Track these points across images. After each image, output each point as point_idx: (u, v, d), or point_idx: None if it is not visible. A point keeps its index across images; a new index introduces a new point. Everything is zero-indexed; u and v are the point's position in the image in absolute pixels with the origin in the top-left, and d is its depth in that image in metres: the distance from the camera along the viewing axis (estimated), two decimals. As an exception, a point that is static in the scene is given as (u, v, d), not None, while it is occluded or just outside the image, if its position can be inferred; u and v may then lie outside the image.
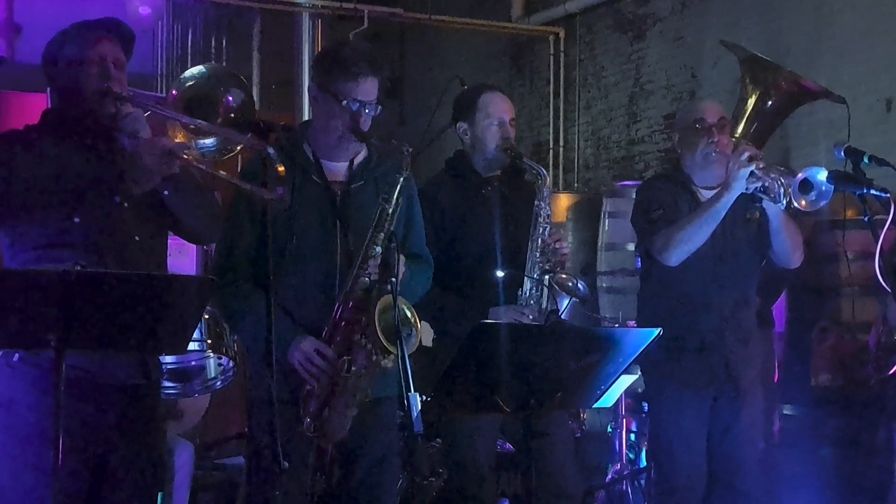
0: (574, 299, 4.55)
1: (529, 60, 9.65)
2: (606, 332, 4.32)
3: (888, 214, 3.57)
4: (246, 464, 3.96)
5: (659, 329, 3.25)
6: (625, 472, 5.58)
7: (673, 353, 4.10)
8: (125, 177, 3.13)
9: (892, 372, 4.60)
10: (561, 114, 9.19)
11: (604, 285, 6.84)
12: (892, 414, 4.84)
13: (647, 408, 5.07)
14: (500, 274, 4.01)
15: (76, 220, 3.11)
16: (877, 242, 3.57)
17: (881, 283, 3.61)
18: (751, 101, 5.62)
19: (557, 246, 4.07)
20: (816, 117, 6.51)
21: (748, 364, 4.22)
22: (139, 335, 2.88)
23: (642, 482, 5.43)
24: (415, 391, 3.06)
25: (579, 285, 4.45)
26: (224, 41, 9.39)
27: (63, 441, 2.76)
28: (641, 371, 4.51)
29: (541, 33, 9.37)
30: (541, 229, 4.06)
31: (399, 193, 3.43)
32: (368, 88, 3.47)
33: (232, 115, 4.19)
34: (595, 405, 3.54)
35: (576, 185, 8.94)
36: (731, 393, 4.15)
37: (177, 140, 3.51)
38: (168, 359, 4.46)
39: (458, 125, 4.20)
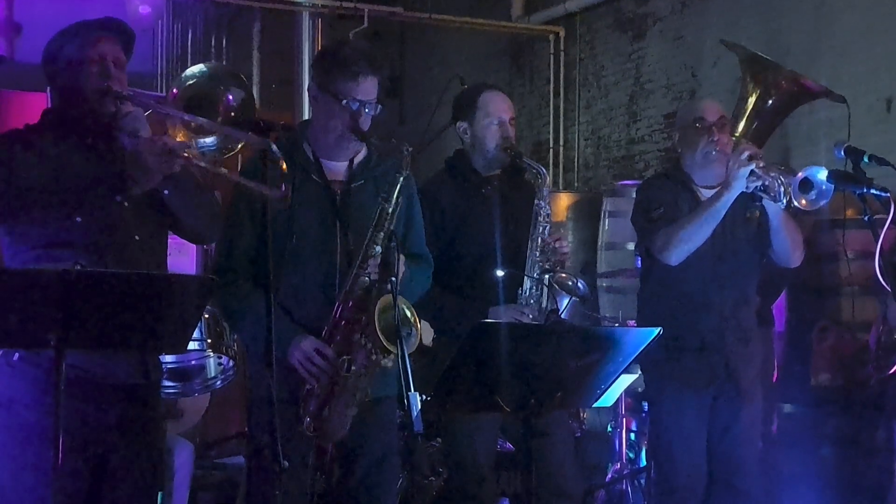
0: (574, 298, 4.55)
1: (529, 60, 9.65)
2: (606, 331, 4.31)
3: (888, 214, 3.57)
4: (246, 463, 3.96)
5: (659, 328, 3.25)
6: (625, 472, 5.58)
7: (673, 353, 4.10)
8: (126, 176, 3.13)
9: (892, 372, 4.60)
10: (561, 113, 9.19)
11: (604, 285, 6.84)
12: (892, 414, 4.83)
13: (646, 407, 5.07)
14: (499, 273, 4.01)
15: (77, 219, 3.11)
16: (877, 242, 3.57)
17: (881, 283, 3.61)
18: (751, 101, 5.62)
19: (557, 245, 4.07)
20: (816, 117, 6.51)
21: (748, 363, 4.22)
22: (139, 334, 2.89)
23: (642, 482, 5.42)
24: (415, 390, 3.06)
25: (579, 284, 4.45)
26: (224, 40, 9.38)
27: (63, 440, 2.75)
28: (641, 371, 4.51)
29: (541, 32, 9.36)
30: (541, 228, 4.06)
31: (399, 193, 3.43)
32: (368, 88, 3.46)
33: (232, 113, 4.19)
34: (595, 404, 3.53)
35: (576, 184, 8.94)
36: (731, 392, 4.15)
37: (177, 139, 3.51)
38: (168, 358, 4.46)
39: (457, 124, 4.20)
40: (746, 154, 3.95)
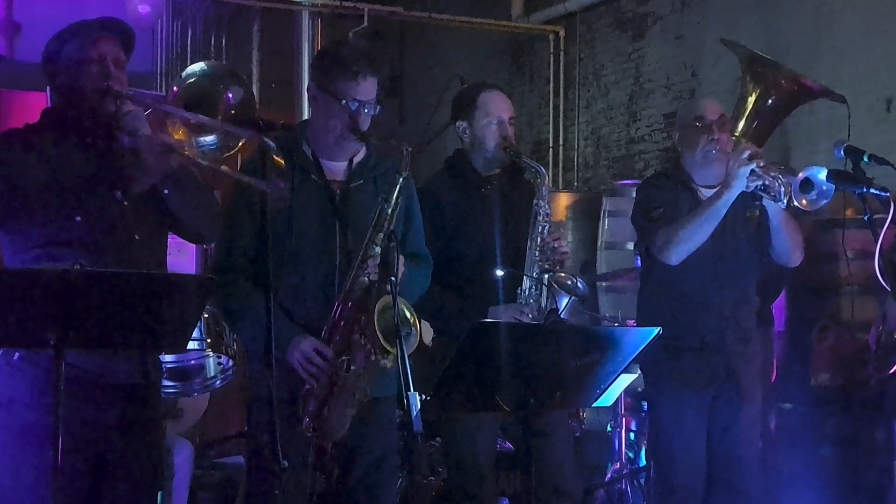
0: (573, 298, 4.55)
1: (529, 59, 9.65)
2: (606, 331, 4.31)
3: (888, 213, 3.57)
4: (245, 463, 3.96)
5: (658, 328, 3.25)
6: (624, 472, 5.58)
7: (673, 353, 4.10)
8: (125, 174, 3.13)
9: (892, 371, 4.60)
10: (561, 112, 9.19)
11: (604, 284, 6.84)
12: (892, 414, 4.83)
13: (646, 407, 5.07)
14: (499, 273, 4.01)
15: (77, 219, 3.11)
16: (876, 241, 3.57)
17: (881, 283, 3.61)
18: (751, 100, 5.62)
19: (556, 245, 4.07)
20: (816, 116, 6.51)
21: (748, 363, 4.22)
22: (139, 334, 2.89)
23: (642, 481, 5.42)
24: (414, 390, 3.06)
25: (578, 284, 4.45)
26: (224, 39, 9.38)
27: (63, 440, 2.76)
28: (641, 370, 4.51)
29: (541, 32, 9.36)
30: (540, 228, 4.05)
31: (398, 193, 3.43)
32: (367, 88, 3.46)
33: (233, 111, 4.19)
34: (594, 404, 3.53)
35: (576, 183, 8.93)
36: (731, 392, 4.15)
37: (178, 137, 3.51)
38: (168, 358, 4.47)
39: (457, 124, 4.19)
40: (747, 153, 3.95)
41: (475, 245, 4.07)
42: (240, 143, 3.58)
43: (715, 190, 4.08)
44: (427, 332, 4.00)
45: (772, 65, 5.64)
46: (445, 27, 9.87)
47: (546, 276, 4.05)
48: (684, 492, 4.15)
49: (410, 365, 3.12)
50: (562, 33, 9.18)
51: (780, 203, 3.95)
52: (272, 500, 3.01)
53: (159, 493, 3.48)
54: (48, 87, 3.61)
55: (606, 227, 7.01)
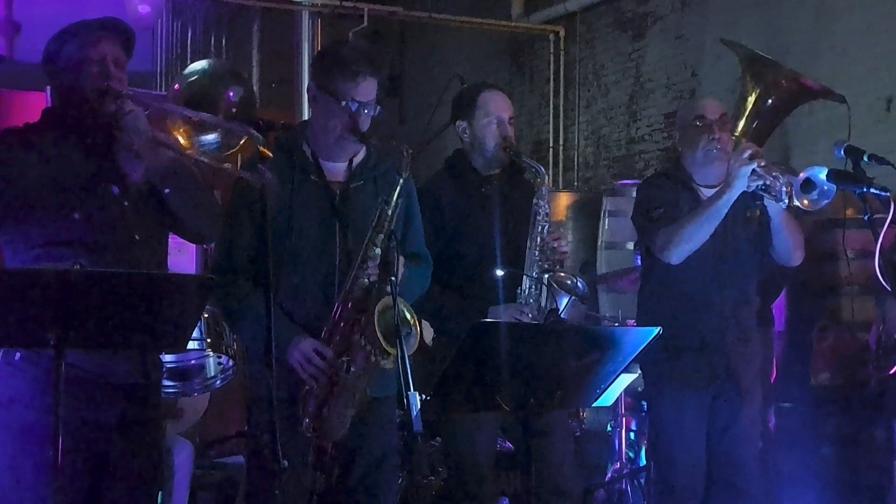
0: (573, 298, 4.55)
1: (529, 59, 9.65)
2: (606, 331, 4.31)
3: (888, 213, 3.57)
4: (245, 463, 3.96)
5: (658, 328, 3.25)
6: (624, 471, 5.58)
7: (673, 353, 4.10)
8: (119, 167, 3.13)
9: (892, 372, 4.60)
10: (561, 112, 9.19)
11: (604, 285, 6.84)
12: (892, 414, 4.83)
13: (646, 407, 5.07)
14: (499, 273, 4.01)
15: (76, 216, 3.11)
16: (877, 241, 3.57)
17: (881, 282, 3.61)
18: (751, 100, 5.62)
19: (556, 244, 4.07)
20: (816, 116, 6.51)
21: (748, 363, 4.22)
22: (139, 334, 2.89)
23: (642, 481, 5.42)
24: (414, 390, 3.06)
25: (578, 284, 4.45)
26: (224, 39, 9.39)
27: (63, 440, 2.76)
28: (641, 370, 4.51)
29: (541, 32, 9.36)
30: (539, 228, 4.05)
31: (398, 195, 3.42)
32: (367, 89, 3.46)
33: (234, 110, 4.19)
34: (594, 404, 3.53)
35: (576, 183, 8.93)
36: (731, 392, 4.15)
37: (179, 136, 3.51)
38: (168, 357, 4.46)
39: (457, 124, 4.19)
40: (748, 153, 3.94)
41: (475, 245, 4.07)
42: (241, 142, 3.59)
43: (716, 189, 4.08)
44: (428, 332, 4.00)
45: (772, 65, 5.65)
46: (445, 27, 9.87)
47: (546, 275, 4.05)
48: (684, 492, 4.15)
49: (410, 365, 3.12)
50: (562, 33, 9.18)
51: (781, 203, 3.95)
52: (272, 500, 3.01)
53: (159, 493, 3.48)
54: (48, 87, 3.61)
55: (606, 227, 7.01)
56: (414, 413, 3.03)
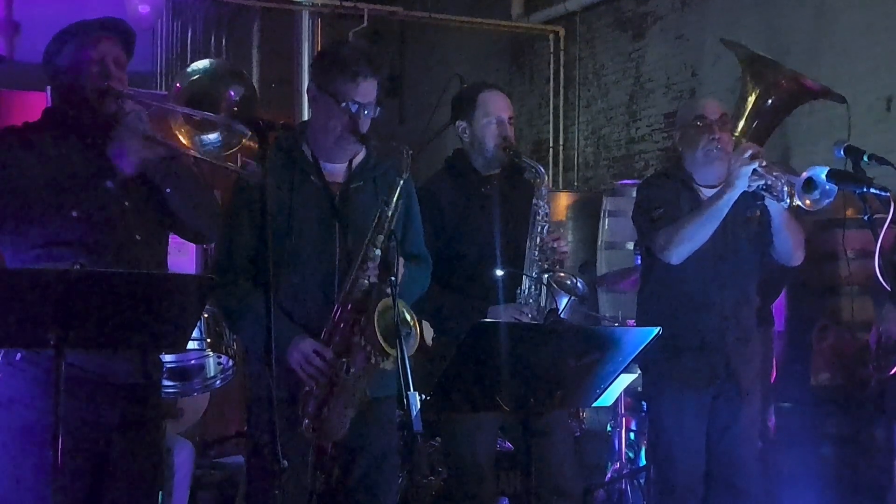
0: (573, 298, 4.55)
1: (529, 59, 9.65)
2: (606, 330, 4.31)
3: (888, 213, 3.57)
4: (245, 463, 3.95)
5: (658, 328, 3.25)
6: (624, 471, 5.58)
7: (673, 353, 4.10)
8: (110, 161, 3.13)
9: (892, 372, 4.60)
10: (561, 112, 9.19)
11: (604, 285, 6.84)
12: (892, 414, 4.83)
13: (646, 407, 5.07)
14: (499, 273, 4.01)
15: (74, 213, 3.11)
16: (876, 241, 3.57)
17: (881, 283, 3.61)
18: (751, 100, 5.62)
19: (556, 244, 4.06)
20: (816, 116, 6.51)
21: (748, 363, 4.22)
22: (139, 334, 2.89)
23: (641, 481, 5.42)
24: (414, 390, 3.06)
25: (578, 284, 4.45)
26: (223, 39, 9.39)
27: (63, 440, 2.76)
28: (641, 370, 4.51)
29: (541, 31, 9.36)
30: (539, 228, 4.05)
31: (398, 196, 3.42)
32: (367, 89, 3.46)
33: (235, 109, 4.19)
34: (594, 404, 3.53)
35: (576, 183, 8.93)
36: (731, 392, 4.15)
37: (179, 137, 3.52)
38: (168, 357, 4.46)
39: (457, 124, 4.19)
40: (749, 153, 3.94)
41: (475, 245, 4.07)
42: (242, 141, 3.59)
43: (716, 189, 4.08)
44: (428, 332, 4.00)
45: (772, 65, 5.65)
46: (445, 27, 9.87)
47: (545, 275, 4.05)
48: (684, 492, 4.15)
49: (410, 365, 3.12)
50: (562, 33, 9.19)
51: (782, 203, 3.94)
52: (272, 500, 3.01)
53: (159, 493, 3.48)
54: (48, 87, 3.61)
55: (606, 227, 7.01)
56: (414, 413, 3.03)
